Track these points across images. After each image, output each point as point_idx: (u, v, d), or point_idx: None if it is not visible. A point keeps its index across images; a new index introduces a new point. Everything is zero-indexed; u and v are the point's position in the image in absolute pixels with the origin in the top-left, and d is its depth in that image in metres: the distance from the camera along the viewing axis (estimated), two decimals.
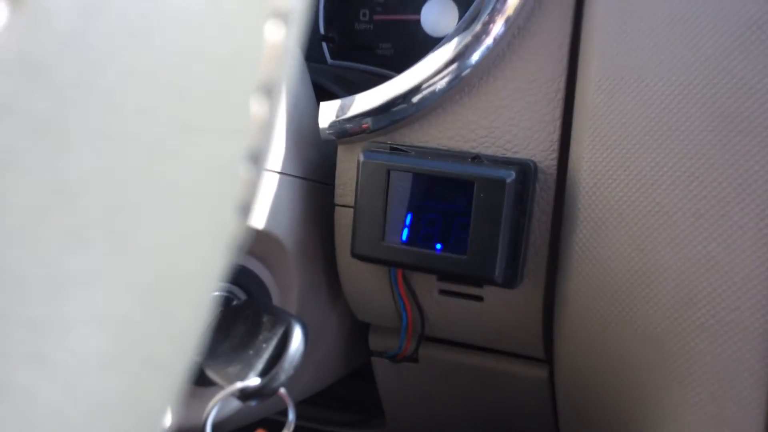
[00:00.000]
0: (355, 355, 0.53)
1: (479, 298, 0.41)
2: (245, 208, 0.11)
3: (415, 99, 0.39)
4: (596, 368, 0.38)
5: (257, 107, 0.10)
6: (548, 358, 0.44)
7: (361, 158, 0.39)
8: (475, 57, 0.38)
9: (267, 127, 0.11)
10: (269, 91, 0.10)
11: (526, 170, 0.37)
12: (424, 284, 0.42)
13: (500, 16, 0.38)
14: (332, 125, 0.41)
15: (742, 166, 0.31)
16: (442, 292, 0.42)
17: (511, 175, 0.36)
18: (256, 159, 0.11)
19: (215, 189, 0.10)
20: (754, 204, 0.31)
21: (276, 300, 0.43)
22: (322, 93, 0.51)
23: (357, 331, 0.52)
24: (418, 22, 0.65)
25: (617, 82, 0.35)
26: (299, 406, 0.64)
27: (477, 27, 0.38)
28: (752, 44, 0.31)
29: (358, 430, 0.62)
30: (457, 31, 0.39)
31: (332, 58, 0.67)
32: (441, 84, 0.39)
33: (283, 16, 0.10)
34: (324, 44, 0.67)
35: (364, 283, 0.44)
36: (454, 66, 0.39)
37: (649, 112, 0.34)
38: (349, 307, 0.47)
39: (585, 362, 0.39)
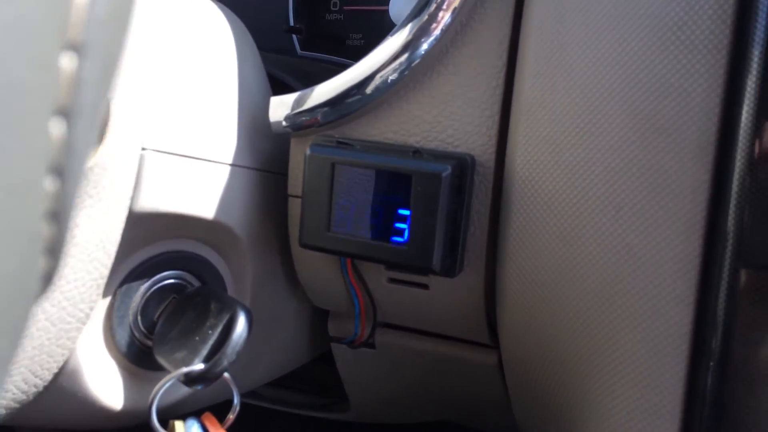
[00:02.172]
0: (318, 340, 0.55)
1: (425, 286, 0.43)
2: (54, 217, 0.12)
3: (364, 92, 0.41)
4: (534, 355, 0.40)
5: (57, 129, 0.12)
6: (496, 344, 0.45)
7: (308, 152, 0.40)
8: (424, 47, 0.39)
9: (69, 146, 0.12)
10: (68, 116, 0.12)
11: (463, 164, 0.38)
12: (373, 272, 0.44)
13: (447, 6, 0.39)
14: (286, 119, 0.42)
15: (658, 162, 0.33)
16: (391, 280, 0.44)
17: (446, 170, 0.37)
18: (61, 173, 0.12)
19: (15, 202, 0.11)
20: (669, 198, 0.32)
21: (230, 287, 0.44)
22: (283, 87, 0.52)
23: (318, 317, 0.53)
24: (387, 12, 0.66)
25: (549, 79, 0.36)
26: (268, 388, 0.65)
27: (425, 17, 0.39)
28: (672, 44, 0.32)
29: (325, 413, 0.64)
30: (405, 23, 0.40)
31: (302, 49, 0.68)
32: (390, 76, 0.40)
33: (78, 48, 0.12)
34: (293, 35, 0.68)
35: (317, 271, 0.46)
36: (403, 57, 0.40)
37: (576, 108, 0.35)
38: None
39: (525, 348, 0.41)
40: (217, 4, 0.45)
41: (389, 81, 0.40)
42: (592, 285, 0.35)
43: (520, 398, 0.46)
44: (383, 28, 0.65)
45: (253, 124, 0.43)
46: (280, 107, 0.42)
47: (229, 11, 0.46)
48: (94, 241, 0.32)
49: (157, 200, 0.36)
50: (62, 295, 0.31)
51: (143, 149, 0.35)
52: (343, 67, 0.41)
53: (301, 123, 0.42)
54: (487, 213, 0.40)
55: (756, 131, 0.31)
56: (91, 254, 0.32)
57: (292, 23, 0.67)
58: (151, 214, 0.36)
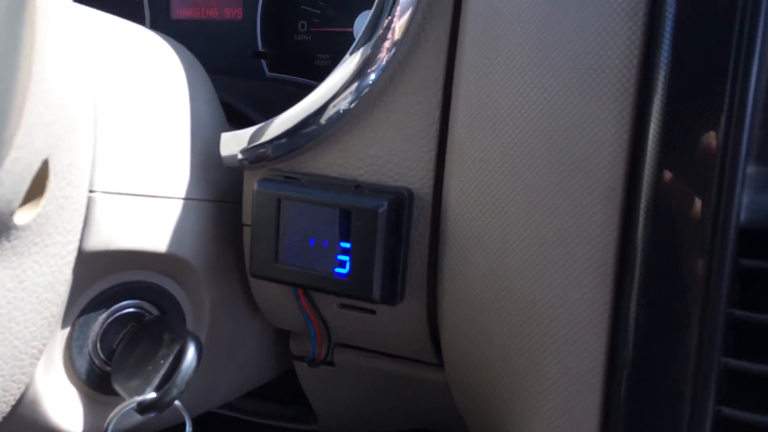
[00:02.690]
0: (282, 358, 0.57)
1: (372, 312, 0.45)
2: None
3: (309, 128, 0.42)
4: (474, 376, 0.42)
5: None
6: (442, 364, 0.47)
7: (255, 187, 0.42)
8: (371, 77, 0.41)
9: None
10: None
11: (400, 199, 0.40)
12: (324, 299, 0.46)
13: (390, 39, 0.41)
14: (238, 153, 0.44)
15: (574, 201, 0.34)
16: (341, 305, 0.46)
17: (383, 206, 0.39)
18: None
19: None
20: (585, 236, 0.34)
21: (189, 315, 0.47)
22: (243, 117, 0.54)
23: (281, 336, 0.56)
24: (352, 33, 0.68)
25: (478, 117, 0.38)
26: (242, 399, 0.68)
27: (368, 51, 0.41)
28: (586, 89, 0.34)
29: (295, 424, 0.66)
30: (348, 63, 0.41)
31: (270, 70, 0.70)
32: (337, 108, 0.42)
33: None
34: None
35: (273, 296, 0.48)
36: (350, 89, 0.41)
37: (502, 147, 0.37)
38: None
39: (465, 370, 0.43)
40: (167, 39, 0.47)
41: (335, 116, 0.41)
42: (518, 315, 0.37)
43: (468, 415, 0.48)
44: (348, 49, 0.67)
45: (207, 158, 0.45)
46: (232, 142, 0.44)
47: (181, 47, 0.48)
48: (43, 284, 0.34)
49: (107, 239, 0.38)
50: (13, 335, 0.33)
51: (92, 191, 0.37)
52: (309, 89, 0.43)
53: (252, 158, 0.44)
54: (426, 244, 0.42)
55: (658, 175, 0.33)
56: (41, 295, 0.34)
57: (260, 46, 0.69)
58: (103, 252, 0.38)
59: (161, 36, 0.47)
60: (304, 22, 0.70)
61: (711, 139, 0.32)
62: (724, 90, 0.31)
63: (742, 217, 0.34)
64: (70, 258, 0.36)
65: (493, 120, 0.38)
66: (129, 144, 0.40)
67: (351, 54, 0.42)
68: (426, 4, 0.40)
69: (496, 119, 0.37)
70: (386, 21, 0.41)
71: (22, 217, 0.30)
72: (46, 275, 0.34)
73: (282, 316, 0.49)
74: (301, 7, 0.70)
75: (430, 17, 0.41)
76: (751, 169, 0.37)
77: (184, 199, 0.43)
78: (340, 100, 0.42)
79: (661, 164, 0.32)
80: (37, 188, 0.31)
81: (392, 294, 0.41)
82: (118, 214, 0.39)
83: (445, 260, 0.40)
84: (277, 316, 0.50)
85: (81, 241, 0.37)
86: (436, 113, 0.41)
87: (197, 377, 0.39)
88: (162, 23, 0.73)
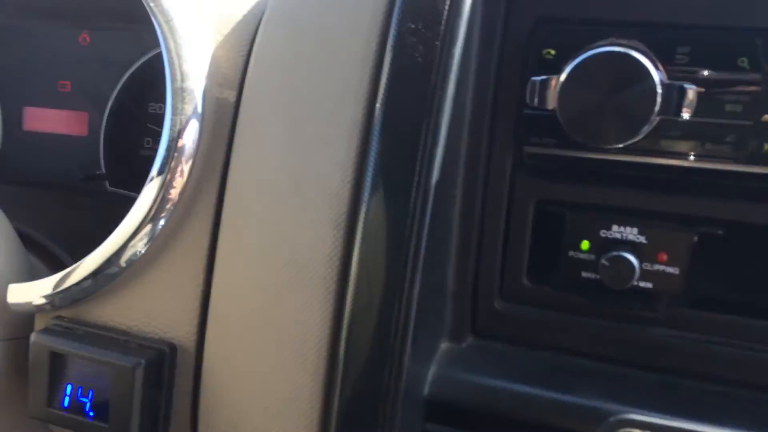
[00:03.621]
0: None
1: None
2: None
3: (90, 283, 0.47)
4: None
5: None
6: None
7: (32, 338, 0.46)
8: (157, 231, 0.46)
9: None
10: None
11: (162, 354, 0.45)
12: None
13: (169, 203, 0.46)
14: (32, 299, 0.48)
15: (289, 373, 0.40)
16: None
17: (140, 363, 0.44)
18: None
19: None
20: (297, 404, 0.40)
21: None
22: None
23: None
24: None
25: (229, 285, 0.44)
26: None
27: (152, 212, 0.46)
28: (301, 282, 0.40)
29: None
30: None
31: (111, 185, 0.74)
32: (112, 270, 0.46)
33: None
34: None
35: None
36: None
37: (241, 315, 0.43)
38: None
39: None
40: None
41: (103, 279, 0.46)
42: None
43: None
44: None
45: (2, 302, 0.49)
46: (21, 291, 0.48)
47: None
48: None
49: None
50: None
51: None
52: None
53: (38, 307, 0.48)
54: (190, 392, 0.47)
55: (353, 352, 0.39)
56: None
57: (102, 163, 0.74)
58: None
59: None
60: (149, 139, 0.75)
61: (386, 324, 0.38)
62: (393, 301, 0.38)
63: (426, 390, 0.41)
64: None
65: (237, 292, 0.43)
66: None
67: (127, 221, 0.47)
68: (196, 180, 0.46)
69: (240, 292, 0.43)
70: (161, 194, 0.46)
71: None
72: None
73: None
74: (148, 125, 0.75)
75: (200, 191, 0.46)
76: (444, 345, 0.44)
77: None
78: (111, 266, 0.46)
79: (349, 343, 0.38)
80: None
81: None
82: None
83: (203, 403, 0.45)
84: None
85: None
86: (201, 276, 0.46)
87: None
88: (15, 134, 0.76)
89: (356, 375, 0.39)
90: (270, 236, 0.42)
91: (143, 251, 0.46)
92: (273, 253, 0.42)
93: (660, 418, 0.34)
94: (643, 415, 0.35)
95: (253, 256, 0.43)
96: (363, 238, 0.38)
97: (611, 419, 0.35)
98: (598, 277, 0.39)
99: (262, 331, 0.42)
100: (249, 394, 0.42)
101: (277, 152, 0.41)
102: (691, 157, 0.36)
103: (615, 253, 0.38)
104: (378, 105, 0.38)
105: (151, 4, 0.41)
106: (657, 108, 0.34)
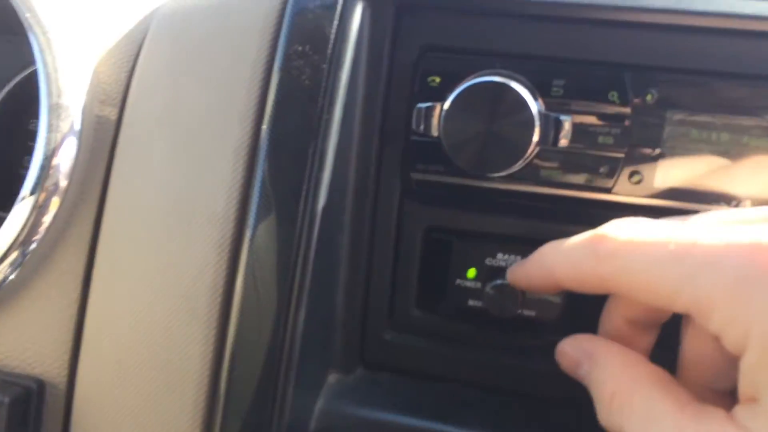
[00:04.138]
0: None
1: None
2: None
3: None
4: None
5: None
6: None
7: None
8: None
9: None
10: None
11: (29, 391, 0.42)
12: None
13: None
14: None
15: (165, 413, 0.38)
16: None
17: (2, 402, 0.40)
18: None
19: None
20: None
21: None
22: None
23: None
24: None
25: (106, 319, 0.41)
26: None
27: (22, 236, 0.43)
28: (183, 313, 0.38)
29: None
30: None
31: None
32: None
33: None
34: None
35: None
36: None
37: (117, 352, 0.40)
38: None
39: None
40: None
41: None
42: None
43: None
44: None
45: None
46: None
47: None
48: None
49: None
50: None
51: None
52: None
53: None
54: (59, 429, 0.43)
55: (235, 385, 0.37)
56: None
57: None
58: None
59: None
60: (29, 158, 0.71)
61: (270, 357, 0.37)
62: (278, 331, 0.37)
63: (312, 425, 0.40)
64: None
65: (114, 323, 0.41)
66: None
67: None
68: (71, 201, 0.43)
69: (116, 324, 0.40)
70: (33, 216, 0.43)
71: None
72: None
73: None
74: (28, 143, 0.70)
75: (76, 214, 0.44)
76: (332, 377, 0.43)
77: None
78: None
79: (231, 379, 0.37)
80: None
81: None
82: None
83: None
84: None
85: None
86: (75, 306, 0.43)
87: None
88: None
89: (238, 412, 0.37)
90: (151, 262, 0.40)
91: (12, 277, 0.43)
92: (153, 281, 0.40)
93: None
94: None
95: (133, 285, 0.40)
96: (248, 264, 0.37)
97: None
98: (484, 305, 0.40)
99: (139, 366, 0.40)
100: (126, 430, 0.39)
101: (159, 173, 0.39)
102: (569, 187, 0.37)
103: (499, 281, 0.39)
104: (264, 126, 0.37)
105: (27, 15, 0.39)
106: (535, 138, 0.35)
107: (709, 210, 0.36)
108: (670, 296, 0.26)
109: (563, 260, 0.31)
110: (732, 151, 0.35)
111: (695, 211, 0.36)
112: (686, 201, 0.36)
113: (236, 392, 0.37)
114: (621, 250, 0.28)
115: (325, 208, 0.37)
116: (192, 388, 0.38)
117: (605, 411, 0.28)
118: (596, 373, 0.30)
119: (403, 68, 0.38)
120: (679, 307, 0.26)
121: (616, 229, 0.28)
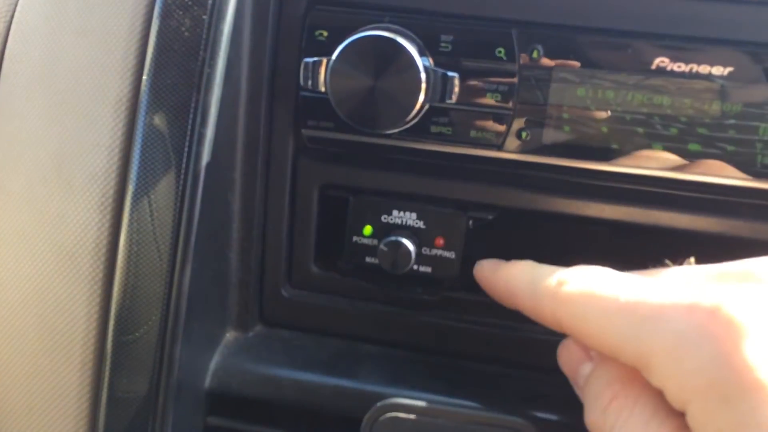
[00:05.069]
0: None
1: None
2: None
3: None
4: None
5: None
6: None
7: None
8: None
9: None
10: None
11: None
12: None
13: None
14: None
15: (54, 373, 0.37)
16: None
17: None
18: None
19: None
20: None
21: None
22: None
23: None
24: None
25: None
26: None
27: None
28: (68, 269, 0.37)
29: None
30: None
31: None
32: None
33: None
34: None
35: None
36: None
37: (2, 291, 0.39)
38: None
39: None
40: None
41: None
42: None
43: None
44: None
45: None
46: None
47: None
48: None
49: None
50: None
51: None
52: None
53: None
54: None
55: (119, 353, 0.37)
56: None
57: None
58: None
59: None
60: None
61: (156, 314, 0.36)
62: (163, 290, 0.36)
63: (207, 382, 0.40)
64: None
65: None
66: None
67: None
68: None
69: (0, 283, 0.39)
70: None
71: None
72: None
73: None
74: None
75: None
76: (229, 335, 0.42)
77: None
78: None
79: (117, 336, 0.36)
80: None
81: None
82: None
83: None
84: None
85: None
86: None
87: None
88: None
89: (125, 370, 0.37)
90: (32, 221, 0.38)
91: None
92: (36, 239, 0.38)
93: (424, 401, 0.35)
94: (410, 398, 0.35)
95: (14, 243, 0.39)
96: (130, 222, 0.36)
97: (377, 404, 0.35)
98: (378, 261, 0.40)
99: (25, 325, 0.39)
100: (11, 392, 0.39)
101: (38, 129, 0.38)
102: (459, 143, 0.37)
103: (392, 238, 0.39)
104: (145, 79, 0.35)
105: None
106: (422, 94, 0.35)
107: (596, 168, 0.36)
108: (618, 348, 0.27)
109: (528, 294, 0.32)
110: (617, 108, 0.35)
111: (583, 169, 0.37)
112: (573, 158, 0.36)
113: (123, 351, 0.37)
114: (578, 298, 0.29)
115: (211, 165, 0.36)
116: (79, 349, 0.37)
117: (599, 409, 0.29)
118: (602, 372, 0.30)
119: (291, 22, 0.37)
120: (625, 359, 0.27)
121: (580, 276, 0.29)
